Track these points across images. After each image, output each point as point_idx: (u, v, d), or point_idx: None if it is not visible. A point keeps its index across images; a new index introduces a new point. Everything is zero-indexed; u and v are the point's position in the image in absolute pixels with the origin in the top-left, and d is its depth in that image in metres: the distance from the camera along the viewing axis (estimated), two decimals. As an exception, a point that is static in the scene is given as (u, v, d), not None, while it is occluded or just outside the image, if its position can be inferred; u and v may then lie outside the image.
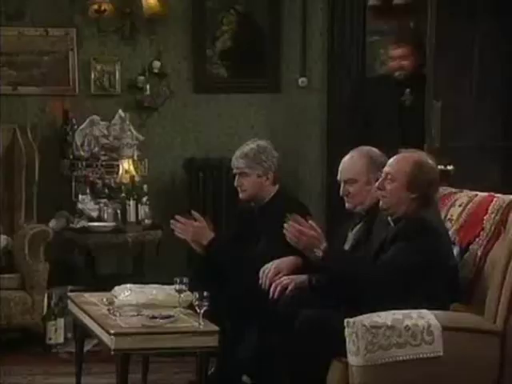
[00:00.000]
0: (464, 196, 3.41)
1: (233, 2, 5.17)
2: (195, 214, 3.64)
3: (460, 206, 3.36)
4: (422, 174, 3.07)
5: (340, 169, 3.40)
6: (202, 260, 3.65)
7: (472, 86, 4.37)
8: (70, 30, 5.00)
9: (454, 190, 3.52)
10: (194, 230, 3.60)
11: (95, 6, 4.93)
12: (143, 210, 4.79)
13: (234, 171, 3.73)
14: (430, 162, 3.12)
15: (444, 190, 3.55)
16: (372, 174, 3.32)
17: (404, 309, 2.88)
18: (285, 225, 3.16)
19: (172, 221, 3.63)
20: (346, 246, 3.38)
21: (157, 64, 5.10)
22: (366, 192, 3.33)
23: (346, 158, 3.41)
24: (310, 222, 3.14)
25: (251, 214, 3.78)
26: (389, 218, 3.15)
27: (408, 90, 4.59)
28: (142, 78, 5.10)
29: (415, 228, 3.01)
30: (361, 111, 4.82)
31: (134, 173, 4.81)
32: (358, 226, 3.39)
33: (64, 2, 5.00)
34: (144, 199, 4.80)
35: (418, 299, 2.93)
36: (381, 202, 3.13)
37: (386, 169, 3.13)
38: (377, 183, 3.15)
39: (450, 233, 3.31)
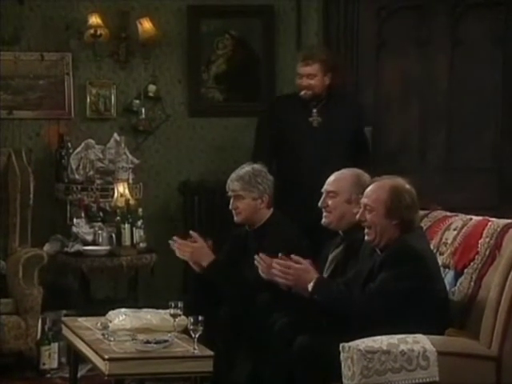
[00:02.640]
0: (459, 220, 3.41)
1: (227, 26, 5.21)
2: (194, 234, 3.64)
3: (455, 229, 3.37)
4: (399, 199, 3.08)
5: (327, 180, 3.43)
6: (198, 285, 3.64)
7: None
8: (65, 55, 5.02)
9: (448, 213, 3.54)
10: (193, 250, 3.60)
11: (91, 31, 4.96)
12: (138, 233, 4.78)
13: (229, 194, 3.74)
14: (407, 186, 3.13)
15: (439, 213, 3.56)
16: (355, 194, 3.33)
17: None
18: (256, 258, 3.17)
19: (170, 241, 3.64)
20: (326, 269, 3.39)
21: (152, 88, 5.13)
22: (344, 209, 3.34)
23: (338, 171, 3.46)
24: (292, 256, 3.15)
25: (244, 238, 3.78)
26: (376, 248, 3.16)
27: (315, 110, 4.44)
28: (137, 101, 5.12)
29: (400, 254, 3.02)
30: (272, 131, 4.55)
31: (129, 196, 4.81)
32: (337, 250, 3.39)
33: (60, 26, 5.03)
34: (139, 223, 4.80)
35: (409, 325, 2.92)
36: (366, 237, 3.14)
37: (364, 200, 3.14)
38: (358, 215, 3.16)
39: (444, 256, 3.32)
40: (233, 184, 3.71)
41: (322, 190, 3.42)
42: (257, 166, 3.73)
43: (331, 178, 3.41)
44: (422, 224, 3.47)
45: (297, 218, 3.87)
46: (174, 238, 3.64)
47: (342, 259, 3.33)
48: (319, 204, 3.41)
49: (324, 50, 4.65)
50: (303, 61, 4.47)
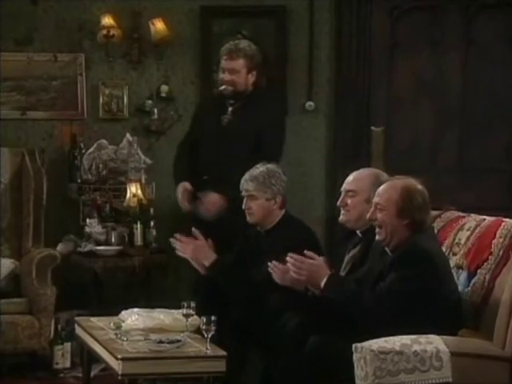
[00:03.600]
0: (472, 220, 3.40)
1: (239, 26, 5.20)
2: (195, 231, 3.65)
3: (468, 230, 3.36)
4: (410, 199, 3.08)
5: (346, 179, 3.43)
6: (208, 285, 3.65)
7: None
8: (78, 55, 5.04)
9: (461, 214, 3.53)
10: (194, 247, 3.61)
11: (104, 32, 4.98)
12: (150, 233, 4.80)
13: (243, 193, 3.74)
14: (419, 186, 3.12)
15: (452, 214, 3.55)
16: (373, 193, 3.33)
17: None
18: (270, 264, 3.17)
19: (172, 239, 3.65)
20: (343, 269, 3.39)
21: (164, 88, 5.14)
22: (362, 209, 3.34)
23: (357, 171, 3.45)
24: (306, 252, 3.16)
25: (256, 238, 3.79)
26: (386, 248, 3.15)
27: (231, 108, 4.16)
28: (149, 102, 5.13)
29: (410, 255, 3.01)
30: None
31: (141, 196, 4.82)
32: (354, 249, 3.39)
33: (73, 27, 5.05)
34: (151, 223, 4.81)
35: (421, 325, 2.92)
36: (377, 236, 3.14)
37: (375, 199, 3.14)
38: (368, 214, 3.15)
39: (457, 257, 3.31)
40: (247, 184, 3.71)
41: (341, 189, 3.42)
42: (271, 167, 3.73)
43: (350, 178, 3.41)
44: (435, 224, 3.47)
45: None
46: (176, 235, 3.65)
47: (359, 258, 3.33)
48: (338, 203, 3.41)
49: (251, 46, 4.28)
50: (227, 54, 4.19)
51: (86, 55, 5.07)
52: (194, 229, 3.68)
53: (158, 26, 5.03)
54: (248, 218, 3.74)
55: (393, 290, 2.96)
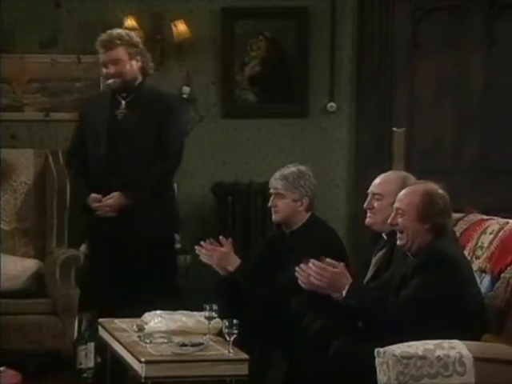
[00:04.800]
0: (495, 223, 3.39)
1: (261, 28, 5.22)
2: (222, 239, 3.66)
3: (491, 233, 3.35)
4: (431, 204, 3.07)
5: (373, 182, 3.42)
6: (230, 288, 3.66)
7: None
8: (101, 57, 5.07)
9: (484, 217, 3.52)
10: (219, 255, 3.62)
11: (126, 34, 5.00)
12: (172, 234, 4.80)
13: (271, 191, 3.75)
14: (440, 191, 3.12)
15: (474, 216, 3.54)
16: None
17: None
18: (296, 268, 3.19)
19: (197, 247, 3.66)
20: (369, 272, 3.39)
21: (186, 89, 5.16)
22: (388, 212, 3.32)
23: (384, 174, 3.45)
24: (326, 259, 3.18)
25: (279, 240, 3.80)
26: (407, 253, 3.15)
27: (124, 102, 3.87)
28: (171, 103, 5.15)
29: (433, 260, 3.01)
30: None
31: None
32: (380, 252, 3.40)
33: (96, 29, 5.05)
34: (173, 224, 4.82)
35: (444, 330, 2.92)
36: (398, 241, 3.14)
37: (396, 204, 3.14)
38: (389, 219, 3.16)
39: (480, 261, 3.30)
40: (276, 182, 3.72)
41: (368, 191, 3.42)
42: (302, 168, 3.73)
43: (377, 181, 3.41)
44: (458, 227, 3.47)
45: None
46: (202, 243, 3.66)
47: (384, 262, 3.34)
48: (364, 205, 3.41)
49: (126, 33, 4.02)
50: (104, 47, 3.92)
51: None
52: (221, 237, 3.70)
53: (180, 27, 5.05)
54: (273, 216, 3.75)
55: (416, 296, 2.96)
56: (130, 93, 3.89)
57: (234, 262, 3.61)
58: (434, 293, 2.95)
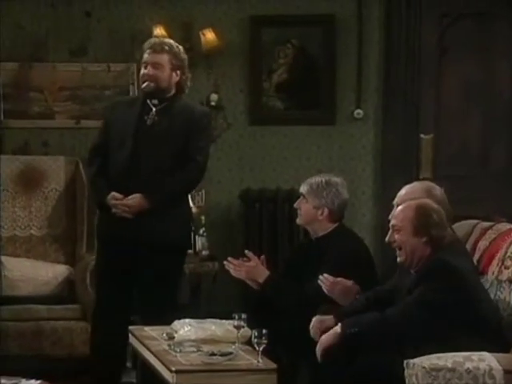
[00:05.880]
0: (525, 233, 3.38)
1: (289, 35, 5.25)
2: (249, 253, 3.71)
3: (520, 243, 3.34)
4: (425, 217, 3.09)
5: (399, 193, 3.44)
6: (258, 298, 3.70)
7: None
8: (130, 65, 5.13)
9: (513, 226, 3.50)
10: (246, 269, 3.67)
11: (155, 42, 5.05)
12: (200, 241, 4.86)
13: (300, 192, 3.80)
14: (434, 205, 3.13)
15: (503, 226, 3.52)
16: None
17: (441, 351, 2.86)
18: (320, 278, 3.28)
19: (225, 262, 3.71)
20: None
21: (214, 97, 5.20)
22: None
23: (409, 185, 3.46)
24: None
25: (307, 248, 3.83)
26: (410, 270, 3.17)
27: (154, 109, 3.84)
28: (199, 110, 5.19)
29: (435, 268, 3.02)
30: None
31: (191, 204, 4.89)
32: None
33: (125, 38, 5.15)
34: (201, 230, 4.88)
35: (460, 341, 2.91)
36: (398, 258, 3.16)
37: (392, 221, 3.17)
38: (386, 238, 3.19)
39: (509, 270, 3.26)
40: (303, 186, 3.79)
41: (393, 202, 3.44)
42: (333, 179, 3.75)
43: (402, 192, 3.41)
44: (487, 236, 3.45)
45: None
46: (229, 258, 3.71)
47: None
48: (389, 216, 3.42)
49: (177, 45, 3.97)
50: (151, 48, 3.87)
51: (138, 65, 5.11)
52: (246, 251, 3.74)
53: (209, 35, 5.09)
54: (298, 219, 3.81)
55: (419, 301, 2.97)
56: (162, 101, 3.89)
57: (262, 274, 3.65)
58: (438, 297, 2.95)
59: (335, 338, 3.08)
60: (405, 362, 2.86)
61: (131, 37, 5.15)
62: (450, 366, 2.81)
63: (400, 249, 3.13)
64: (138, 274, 3.87)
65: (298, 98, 5.28)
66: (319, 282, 3.37)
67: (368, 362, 3.01)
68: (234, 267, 3.68)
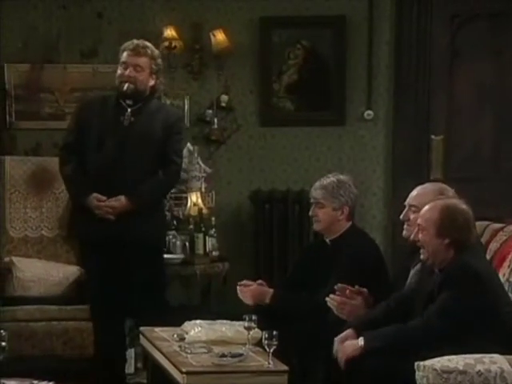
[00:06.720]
0: (536, 234, 3.37)
1: (299, 36, 5.25)
2: (246, 282, 3.78)
3: (531, 245, 3.33)
4: (450, 219, 3.07)
5: (410, 193, 3.43)
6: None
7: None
8: (141, 67, 5.14)
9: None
10: (251, 293, 3.72)
11: (166, 43, 5.07)
12: (211, 242, 4.87)
13: (311, 201, 3.79)
14: (462, 206, 3.10)
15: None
16: None
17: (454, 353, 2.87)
18: (327, 299, 3.37)
19: (238, 286, 3.78)
20: (408, 282, 3.40)
21: (224, 98, 5.21)
22: None
23: (421, 185, 3.45)
24: (356, 287, 3.28)
25: (319, 249, 3.82)
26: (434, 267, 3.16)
27: (130, 110, 3.87)
28: (209, 111, 5.21)
29: (458, 274, 3.01)
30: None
31: (202, 205, 4.90)
32: (418, 266, 3.40)
33: (136, 39, 5.13)
34: (211, 231, 4.89)
35: (484, 348, 2.91)
36: (421, 256, 3.15)
37: (418, 220, 3.16)
38: (412, 235, 3.18)
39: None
40: (315, 192, 3.76)
41: (405, 203, 3.43)
42: (342, 178, 3.76)
43: (414, 193, 3.41)
44: (497, 238, 3.45)
45: None
46: (239, 283, 3.77)
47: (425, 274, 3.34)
48: (401, 217, 3.42)
49: (156, 50, 4.05)
50: (134, 50, 3.93)
51: (149, 66, 5.16)
52: (244, 281, 3.79)
53: (219, 37, 5.10)
54: (314, 225, 3.78)
55: (445, 311, 2.97)
56: (137, 102, 3.93)
57: (267, 294, 3.68)
58: (461, 307, 2.94)
59: (357, 351, 3.08)
60: (416, 363, 2.86)
61: (142, 38, 5.13)
62: (461, 368, 2.81)
63: (423, 247, 3.12)
64: (126, 273, 3.93)
65: (308, 99, 5.28)
66: (328, 303, 3.40)
67: (379, 362, 3.01)
68: (242, 293, 3.74)
